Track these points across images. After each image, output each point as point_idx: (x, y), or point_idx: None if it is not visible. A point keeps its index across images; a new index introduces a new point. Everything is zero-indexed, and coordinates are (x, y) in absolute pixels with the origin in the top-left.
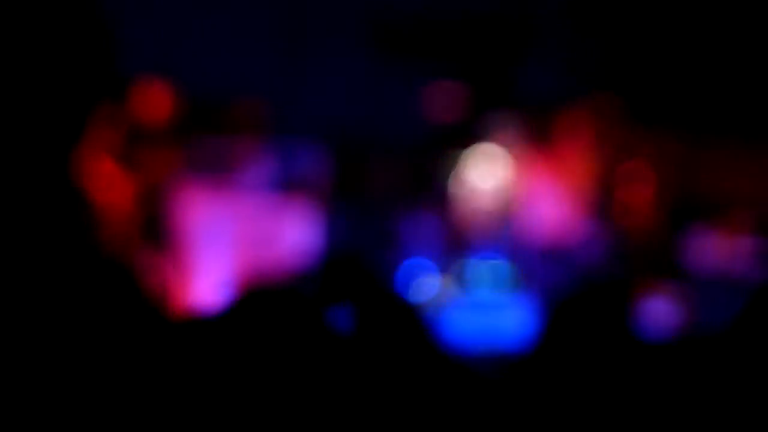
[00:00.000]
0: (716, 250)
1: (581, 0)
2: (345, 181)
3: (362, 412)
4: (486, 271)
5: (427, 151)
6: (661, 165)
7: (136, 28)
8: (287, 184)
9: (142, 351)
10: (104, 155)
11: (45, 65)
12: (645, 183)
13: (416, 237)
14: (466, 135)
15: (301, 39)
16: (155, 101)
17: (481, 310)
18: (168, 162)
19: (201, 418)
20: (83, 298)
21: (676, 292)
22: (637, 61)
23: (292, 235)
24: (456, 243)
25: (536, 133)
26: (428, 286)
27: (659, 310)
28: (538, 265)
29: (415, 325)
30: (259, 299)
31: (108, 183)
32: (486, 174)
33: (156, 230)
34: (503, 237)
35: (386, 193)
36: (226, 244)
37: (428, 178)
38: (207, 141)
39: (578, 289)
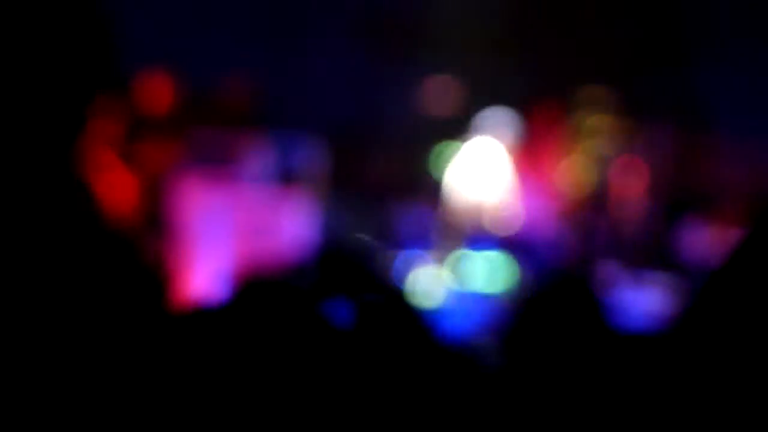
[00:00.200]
0: (709, 241)
1: None
2: (341, 173)
3: (359, 401)
4: (480, 262)
5: (423, 144)
6: (656, 156)
7: (138, 21)
8: (285, 176)
9: (146, 340)
10: (106, 147)
11: (46, 59)
12: (639, 174)
13: (411, 228)
14: (460, 128)
15: (299, 34)
16: (155, 93)
17: (475, 299)
18: (168, 153)
19: (201, 408)
20: (88, 283)
21: (668, 283)
22: (632, 53)
23: (289, 226)
24: (450, 234)
25: (521, 126)
26: (423, 276)
27: (650, 301)
28: (522, 256)
29: (410, 314)
30: (257, 291)
31: (109, 174)
32: (479, 166)
33: (157, 220)
34: (494, 228)
35: (382, 185)
36: (225, 235)
37: (423, 170)
38: (206, 133)
39: (547, 283)
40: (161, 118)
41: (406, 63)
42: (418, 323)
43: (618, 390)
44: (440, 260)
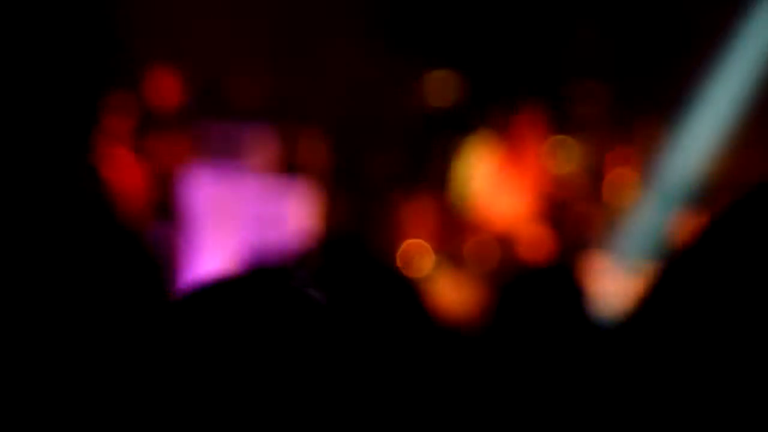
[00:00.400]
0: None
1: None
2: (344, 166)
3: (359, 382)
4: (479, 250)
5: (423, 138)
6: (648, 149)
7: (147, 19)
8: (290, 168)
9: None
10: (118, 140)
11: (59, 55)
12: (632, 166)
13: (412, 219)
14: (461, 122)
15: (303, 30)
16: (165, 88)
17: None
18: (178, 146)
19: (198, 390)
20: (96, 270)
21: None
22: (626, 50)
23: (294, 216)
24: (450, 225)
25: (503, 123)
26: (424, 265)
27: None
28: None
29: (410, 295)
30: (256, 277)
31: (122, 166)
32: (478, 159)
33: (167, 210)
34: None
35: (384, 177)
36: (232, 224)
37: (424, 163)
38: (214, 126)
39: (524, 273)
40: (171, 111)
41: (407, 59)
42: (417, 303)
43: (591, 375)
44: (440, 249)
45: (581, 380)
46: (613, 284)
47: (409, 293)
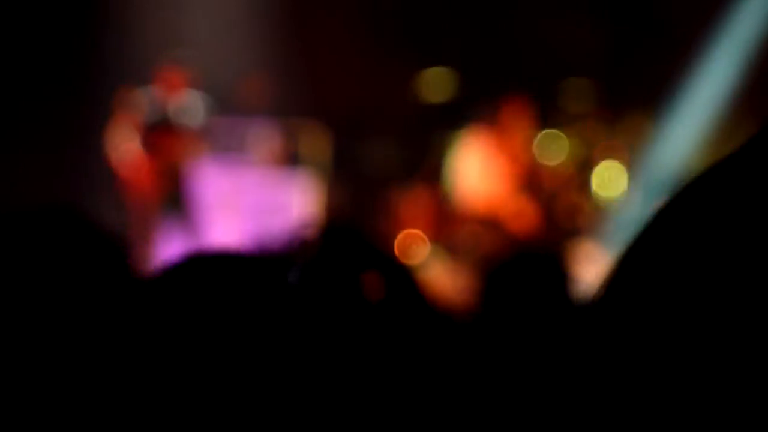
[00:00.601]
0: None
1: None
2: (343, 158)
3: (362, 364)
4: (471, 239)
5: (419, 131)
6: (633, 143)
7: (156, 21)
8: (292, 161)
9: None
10: (129, 136)
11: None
12: (619, 158)
13: (408, 209)
14: (454, 116)
15: (304, 30)
16: (174, 86)
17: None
18: (186, 140)
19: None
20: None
21: None
22: (613, 47)
23: (296, 205)
24: (444, 214)
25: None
26: (420, 253)
27: None
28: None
29: (407, 280)
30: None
31: (134, 161)
32: (469, 151)
33: (177, 201)
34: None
35: (381, 169)
36: (238, 213)
37: (420, 155)
38: (219, 122)
39: (511, 257)
40: (181, 108)
41: (403, 57)
42: (414, 287)
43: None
44: (434, 238)
45: (560, 361)
46: (600, 271)
47: (405, 279)
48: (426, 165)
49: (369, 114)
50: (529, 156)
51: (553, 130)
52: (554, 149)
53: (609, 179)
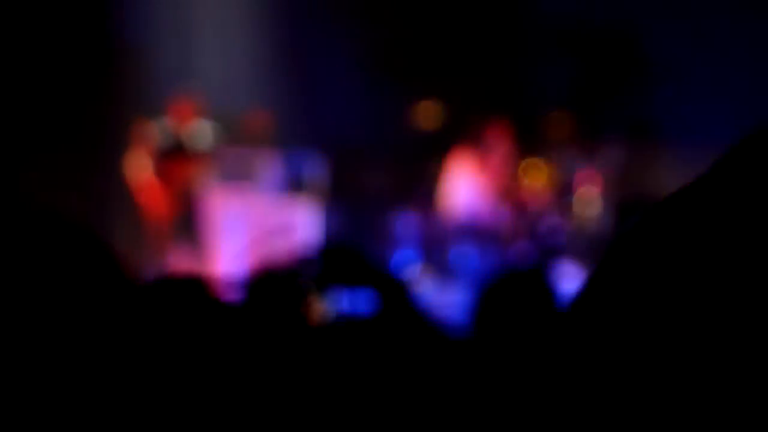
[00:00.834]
0: None
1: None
2: (342, 184)
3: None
4: (455, 260)
5: (412, 158)
6: (609, 169)
7: (168, 57)
8: (295, 187)
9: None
10: (144, 165)
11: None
12: (596, 184)
13: (402, 232)
14: (444, 144)
15: (306, 63)
16: (185, 118)
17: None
18: (196, 169)
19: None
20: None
21: None
22: (589, 82)
23: (298, 229)
24: (434, 238)
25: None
26: (412, 272)
27: None
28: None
29: (403, 294)
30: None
31: (147, 188)
32: (458, 173)
33: (188, 225)
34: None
35: (377, 194)
36: (245, 236)
37: (413, 179)
38: (228, 151)
39: (501, 275)
40: (191, 138)
41: (397, 91)
42: (409, 301)
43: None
44: (426, 258)
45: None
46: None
47: (399, 295)
48: (419, 188)
49: (366, 143)
50: (512, 176)
51: (535, 158)
52: (536, 174)
53: (587, 202)
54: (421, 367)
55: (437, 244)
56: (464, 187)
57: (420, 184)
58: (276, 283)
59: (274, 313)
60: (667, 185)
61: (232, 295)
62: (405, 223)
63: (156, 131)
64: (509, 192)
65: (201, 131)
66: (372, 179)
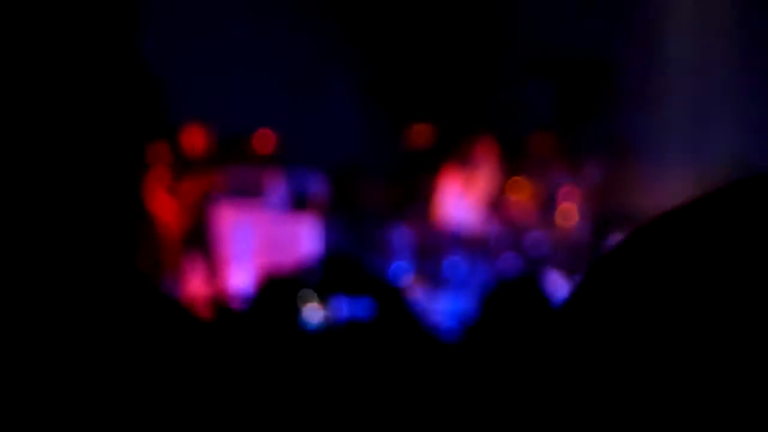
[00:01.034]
0: None
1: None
2: (342, 200)
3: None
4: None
5: (406, 176)
6: (587, 186)
7: (179, 84)
8: (298, 203)
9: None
10: (159, 184)
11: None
12: (576, 200)
13: (397, 244)
14: (435, 162)
15: (307, 90)
16: (195, 141)
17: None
18: (207, 187)
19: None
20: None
21: None
22: (570, 105)
23: (301, 242)
24: (427, 249)
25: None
26: (406, 280)
27: None
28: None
29: (399, 300)
30: (275, 286)
31: (162, 204)
32: (448, 188)
33: (199, 239)
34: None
35: (374, 209)
36: (251, 248)
37: (407, 197)
38: (236, 170)
39: (498, 284)
40: (201, 159)
41: (392, 115)
42: (405, 307)
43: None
44: (418, 269)
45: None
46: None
47: (395, 301)
48: (413, 203)
49: (363, 162)
50: (499, 192)
51: (520, 175)
52: (521, 190)
53: (568, 215)
54: (415, 366)
55: (430, 255)
56: (454, 201)
57: (413, 200)
58: (281, 290)
59: (279, 316)
60: (639, 200)
61: (241, 302)
62: (400, 236)
63: (170, 152)
64: (496, 206)
65: (212, 153)
66: (369, 195)
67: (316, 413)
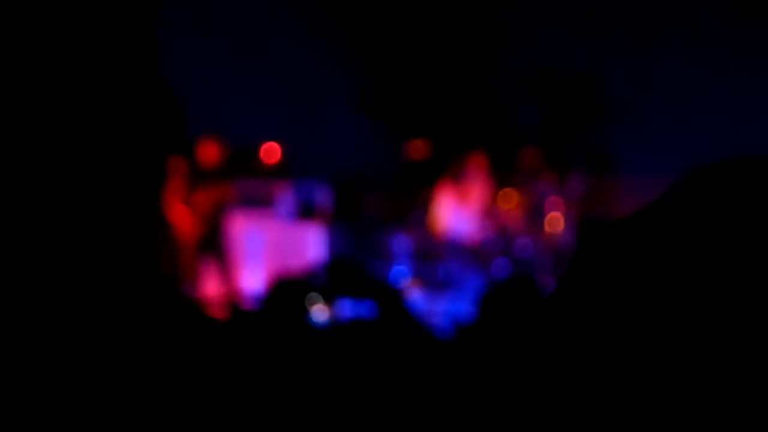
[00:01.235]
0: None
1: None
2: (345, 209)
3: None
4: (445, 274)
5: (405, 186)
6: (572, 197)
7: (194, 101)
8: (305, 212)
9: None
10: (176, 195)
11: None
12: (562, 210)
13: (397, 249)
14: (431, 173)
15: (313, 107)
16: (209, 154)
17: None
18: (221, 198)
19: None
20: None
21: None
22: (556, 121)
23: (307, 248)
24: (425, 254)
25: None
26: (404, 284)
27: None
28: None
29: (399, 302)
30: (284, 286)
31: (179, 214)
32: (443, 199)
33: (214, 245)
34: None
35: (375, 217)
36: (262, 255)
37: (406, 206)
38: (247, 182)
39: (491, 286)
40: (215, 171)
41: (391, 129)
42: (404, 307)
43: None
44: (417, 274)
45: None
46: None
47: (395, 303)
48: (411, 213)
49: (365, 174)
50: (491, 202)
51: (510, 187)
52: (511, 200)
53: (555, 223)
54: (413, 362)
55: (427, 260)
56: (450, 211)
57: (412, 209)
58: (290, 292)
59: (288, 315)
60: (621, 209)
61: (253, 303)
62: (399, 242)
63: (186, 165)
64: (489, 215)
65: (224, 165)
66: (371, 205)
67: (322, 406)
